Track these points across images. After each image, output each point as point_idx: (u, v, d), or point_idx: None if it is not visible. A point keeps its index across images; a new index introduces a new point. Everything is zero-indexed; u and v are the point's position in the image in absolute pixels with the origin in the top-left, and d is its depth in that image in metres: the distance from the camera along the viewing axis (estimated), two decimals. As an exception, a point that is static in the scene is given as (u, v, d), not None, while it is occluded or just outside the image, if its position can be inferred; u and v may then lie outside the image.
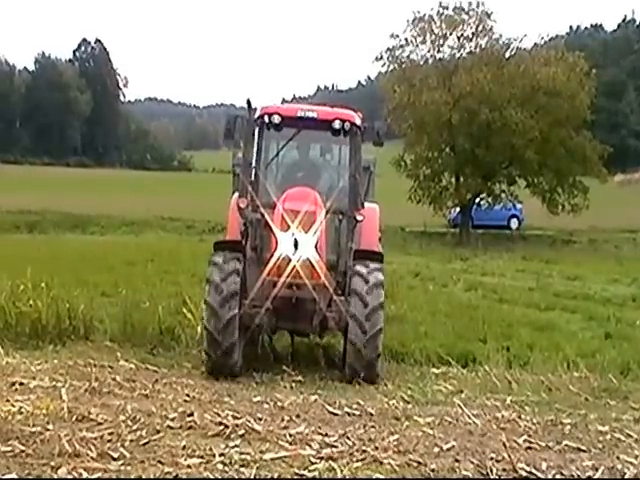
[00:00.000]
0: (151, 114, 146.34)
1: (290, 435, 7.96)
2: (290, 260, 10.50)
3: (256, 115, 11.48)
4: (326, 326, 10.95)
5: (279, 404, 9.28)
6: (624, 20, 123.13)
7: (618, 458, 7.72)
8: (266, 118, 11.48)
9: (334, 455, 7.30)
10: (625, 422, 9.16)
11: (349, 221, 11.41)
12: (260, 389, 10.05)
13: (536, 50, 51.05)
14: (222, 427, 8.10)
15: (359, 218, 11.30)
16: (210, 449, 7.27)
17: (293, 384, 10.52)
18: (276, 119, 11.39)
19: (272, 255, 10.64)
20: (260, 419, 8.40)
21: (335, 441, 7.80)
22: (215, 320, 10.16)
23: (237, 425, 8.17)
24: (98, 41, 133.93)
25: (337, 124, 11.36)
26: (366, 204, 11.75)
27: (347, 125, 11.42)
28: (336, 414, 8.89)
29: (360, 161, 11.74)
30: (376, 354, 10.44)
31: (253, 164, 11.74)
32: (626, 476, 7.20)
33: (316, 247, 10.60)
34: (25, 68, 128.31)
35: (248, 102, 11.47)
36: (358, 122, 11.67)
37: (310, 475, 6.72)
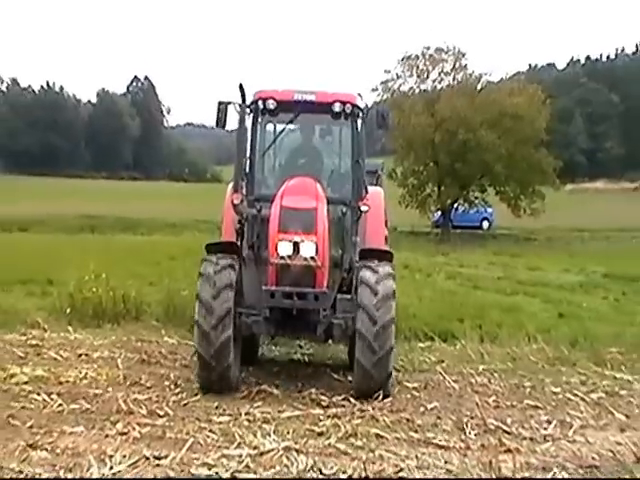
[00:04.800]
0: (188, 136, 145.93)
1: (303, 398, 8.00)
2: (289, 267, 7.94)
3: (249, 101, 9.02)
4: (331, 334, 8.34)
5: (293, 373, 9.31)
6: (572, 60, 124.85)
7: (568, 413, 7.79)
8: (260, 103, 8.98)
9: (339, 414, 7.34)
10: (573, 384, 9.21)
11: (353, 212, 8.91)
12: (277, 361, 10.06)
13: (502, 83, 51.75)
14: (247, 391, 8.13)
15: (364, 209, 8.78)
16: (238, 409, 7.34)
17: (305, 357, 10.52)
18: (271, 104, 8.89)
19: (269, 260, 8.06)
20: (278, 385, 8.45)
21: (339, 402, 7.84)
22: (208, 314, 7.69)
23: (259, 390, 8.22)
24: (146, 78, 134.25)
25: (337, 107, 8.83)
26: (370, 188, 9.27)
27: (348, 107, 8.90)
28: (340, 381, 8.91)
29: (363, 146, 9.24)
30: (388, 348, 7.73)
31: (247, 154, 9.15)
32: (573, 427, 7.23)
33: (317, 250, 7.92)
34: (89, 101, 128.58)
35: (240, 87, 8.81)
36: (360, 104, 9.16)
37: (318, 430, 6.75)
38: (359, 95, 9.32)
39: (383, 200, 9.74)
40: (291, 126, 9.60)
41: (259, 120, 9.20)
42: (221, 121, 8.80)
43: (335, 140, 9.87)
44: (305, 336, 8.93)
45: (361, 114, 9.16)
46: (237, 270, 7.99)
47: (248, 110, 8.96)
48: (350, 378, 8.64)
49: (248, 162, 9.12)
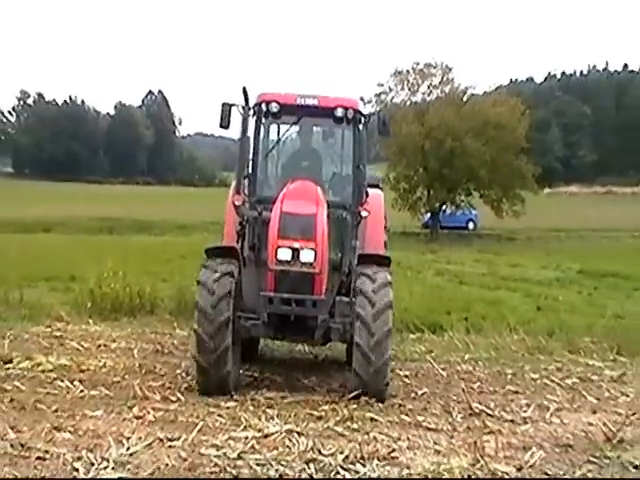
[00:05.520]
0: (198, 144, 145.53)
1: (304, 385, 8.00)
2: (288, 273, 7.29)
3: (253, 103, 8.34)
4: (329, 338, 7.73)
5: (295, 363, 9.33)
6: (549, 75, 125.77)
7: (545, 397, 7.82)
8: (263, 106, 8.23)
9: (336, 399, 7.32)
10: (550, 371, 9.23)
11: (353, 216, 8.19)
12: (281, 350, 10.06)
13: (486, 95, 51.95)
14: (252, 379, 8.14)
15: (364, 214, 8.12)
16: (244, 395, 7.32)
17: (306, 347, 10.51)
18: (274, 107, 8.15)
19: (268, 265, 7.37)
20: (281, 373, 8.44)
21: (337, 389, 7.83)
22: (206, 323, 7.02)
23: (264, 377, 8.22)
24: (160, 91, 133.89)
25: (339, 112, 8.11)
26: (370, 191, 8.48)
27: (350, 112, 8.17)
28: (338, 370, 8.87)
29: (365, 151, 8.56)
30: (385, 359, 7.11)
31: (250, 156, 8.43)
32: (550, 409, 7.26)
33: (316, 256, 7.24)
34: (107, 113, 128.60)
35: (244, 90, 8.23)
36: (362, 109, 8.47)
37: (318, 414, 6.76)
38: (361, 100, 8.58)
39: (383, 204, 8.97)
40: (293, 129, 8.93)
41: (262, 122, 8.52)
42: (225, 122, 8.12)
43: (337, 144, 9.08)
44: (303, 340, 8.41)
45: (363, 119, 8.46)
46: (236, 276, 7.30)
47: (251, 112, 8.35)
48: (346, 367, 8.47)
49: (250, 164, 8.44)
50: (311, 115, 8.48)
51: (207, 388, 7.25)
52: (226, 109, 8.08)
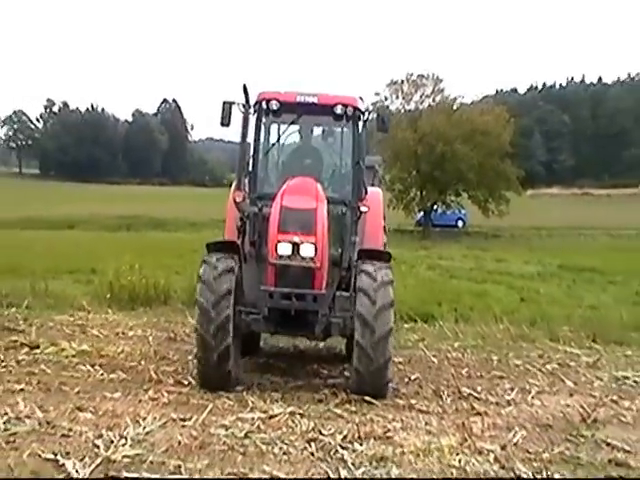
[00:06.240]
0: (209, 148, 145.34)
1: (306, 370, 7.99)
2: (288, 267, 6.79)
3: (253, 101, 7.76)
4: (329, 333, 7.09)
5: (297, 350, 9.33)
6: (531, 86, 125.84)
7: (527, 382, 7.82)
8: (264, 104, 7.70)
9: (336, 384, 7.33)
10: (532, 357, 9.23)
11: (353, 212, 7.66)
12: (284, 339, 10.04)
13: (474, 104, 52.45)
14: (257, 365, 8.13)
15: (363, 209, 7.57)
16: (250, 379, 7.31)
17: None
18: (274, 105, 7.61)
19: (268, 259, 6.90)
20: (284, 360, 8.43)
21: (337, 375, 7.83)
22: (207, 322, 6.53)
23: (269, 364, 8.22)
24: (174, 100, 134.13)
25: (339, 109, 7.57)
26: (369, 189, 7.90)
27: (349, 110, 7.63)
28: (338, 357, 8.87)
29: (364, 147, 8.03)
30: (386, 358, 6.53)
31: (251, 153, 7.87)
32: (532, 393, 7.26)
33: (316, 251, 6.74)
34: (125, 120, 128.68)
35: (244, 87, 7.63)
36: (361, 107, 7.86)
37: (319, 397, 6.76)
38: (360, 98, 8.05)
39: (382, 201, 8.39)
40: (293, 127, 8.21)
41: (262, 120, 7.94)
42: (225, 120, 7.52)
43: (336, 141, 8.43)
44: (304, 335, 7.63)
45: (362, 117, 7.90)
46: (237, 272, 6.78)
47: (252, 110, 7.77)
48: (344, 354, 8.54)
49: (251, 161, 7.88)
50: (311, 113, 7.89)
51: (208, 384, 6.80)
52: (227, 107, 7.51)
